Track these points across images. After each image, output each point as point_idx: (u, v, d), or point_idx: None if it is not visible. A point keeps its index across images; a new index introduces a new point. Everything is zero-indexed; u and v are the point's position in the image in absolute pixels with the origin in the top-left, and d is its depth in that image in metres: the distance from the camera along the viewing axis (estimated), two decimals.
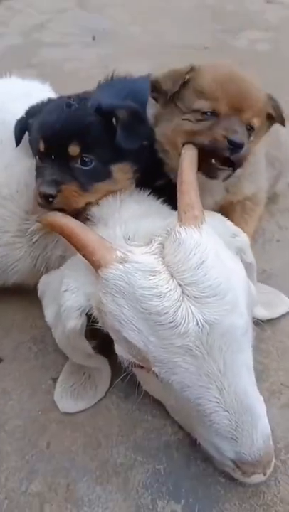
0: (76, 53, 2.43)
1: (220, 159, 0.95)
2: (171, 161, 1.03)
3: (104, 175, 0.95)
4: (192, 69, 0.98)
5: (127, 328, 0.77)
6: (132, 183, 1.00)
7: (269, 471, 0.82)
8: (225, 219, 0.98)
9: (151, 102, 1.04)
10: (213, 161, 0.95)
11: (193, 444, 0.92)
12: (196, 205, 0.85)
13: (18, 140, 1.05)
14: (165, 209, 1.02)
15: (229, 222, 0.97)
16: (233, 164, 0.95)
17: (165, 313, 0.74)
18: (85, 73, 2.14)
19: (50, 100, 1.03)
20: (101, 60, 2.31)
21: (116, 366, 0.98)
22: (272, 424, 0.95)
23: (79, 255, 0.88)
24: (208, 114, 0.95)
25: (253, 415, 0.78)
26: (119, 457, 0.93)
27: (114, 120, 0.92)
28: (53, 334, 0.96)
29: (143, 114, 0.99)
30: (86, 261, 0.84)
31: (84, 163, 0.92)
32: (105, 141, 0.92)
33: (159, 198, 1.02)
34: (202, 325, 0.74)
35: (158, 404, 0.99)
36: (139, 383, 0.97)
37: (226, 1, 3.11)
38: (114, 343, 0.83)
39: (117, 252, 0.81)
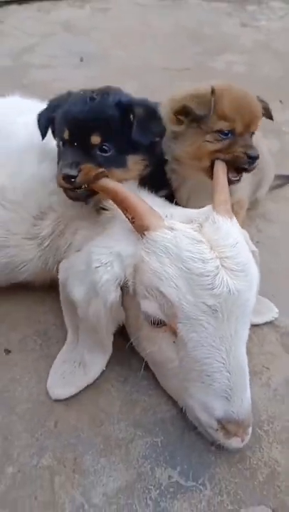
0: (65, 75, 2.56)
1: (235, 170, 1.12)
2: (183, 171, 1.18)
3: (120, 163, 1.06)
4: (212, 92, 1.09)
5: (167, 284, 0.88)
6: (144, 172, 1.12)
7: (247, 439, 0.94)
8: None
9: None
10: (229, 174, 1.11)
11: (185, 418, 1.04)
12: (228, 203, 1.02)
13: (44, 132, 1.11)
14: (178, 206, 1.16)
15: (235, 219, 1.06)
16: (246, 170, 1.13)
17: (206, 276, 0.87)
18: None
19: (70, 93, 1.10)
20: (89, 80, 2.44)
21: (114, 354, 1.10)
22: (256, 399, 1.08)
23: (107, 232, 1.01)
24: (228, 133, 1.10)
25: (245, 381, 0.92)
26: (120, 432, 1.04)
27: (131, 115, 1.04)
28: (81, 312, 1.01)
29: (158, 113, 1.11)
30: (127, 226, 0.96)
31: (103, 150, 1.03)
32: (123, 133, 1.03)
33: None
34: (232, 292, 0.88)
35: (153, 385, 1.11)
36: (136, 368, 1.09)
37: (203, 25, 3.30)
38: (143, 301, 0.93)
39: (164, 221, 0.94)
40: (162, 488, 0.95)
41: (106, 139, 1.02)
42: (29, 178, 1.14)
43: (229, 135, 1.10)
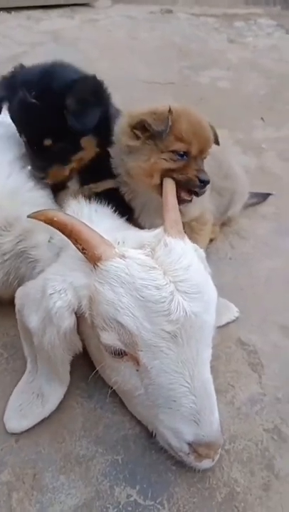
0: None
1: (187, 191, 1.15)
2: (134, 185, 1.20)
3: (76, 148, 1.18)
4: (170, 111, 1.10)
5: (123, 314, 0.88)
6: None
7: (216, 457, 0.95)
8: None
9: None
10: (182, 193, 1.14)
11: (148, 437, 1.04)
12: (179, 222, 1.03)
13: None
14: (132, 226, 1.18)
15: (188, 239, 1.08)
16: (196, 194, 1.16)
17: (162, 302, 0.87)
18: None
19: (16, 72, 1.19)
20: None
21: (78, 371, 1.10)
22: (219, 418, 1.08)
23: (62, 260, 1.01)
24: (182, 154, 1.13)
25: (212, 402, 0.92)
26: (81, 449, 1.03)
27: (64, 112, 1.09)
28: (36, 340, 0.99)
29: (97, 91, 1.18)
30: (78, 256, 0.95)
31: (58, 147, 1.15)
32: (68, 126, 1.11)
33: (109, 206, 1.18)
34: (189, 315, 0.88)
35: (117, 403, 1.10)
36: (101, 385, 1.09)
37: (191, 40, 3.34)
38: (101, 332, 0.91)
39: (116, 249, 0.93)
40: (120, 506, 0.95)
41: (56, 139, 1.14)
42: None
43: (184, 157, 1.13)
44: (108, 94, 1.22)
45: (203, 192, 1.16)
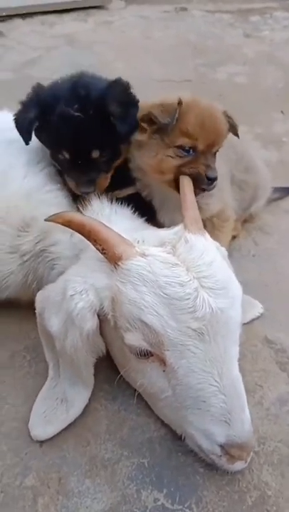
0: None
1: (195, 187, 1.10)
2: (148, 181, 1.19)
3: (118, 155, 1.20)
4: (179, 103, 1.08)
5: (147, 313, 0.85)
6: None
7: (249, 459, 0.91)
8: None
9: None
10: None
11: (174, 439, 1.01)
12: (199, 220, 1.00)
13: (28, 137, 1.15)
14: (152, 226, 1.15)
15: (208, 236, 1.05)
16: (205, 190, 1.12)
17: (186, 299, 0.85)
18: None
19: (40, 89, 1.16)
20: None
21: (102, 373, 1.08)
22: None
23: (82, 262, 0.99)
24: (188, 150, 1.09)
25: (242, 401, 0.89)
26: (106, 453, 1.01)
27: (111, 117, 1.10)
28: (59, 344, 0.98)
29: (129, 92, 1.16)
30: (98, 257, 0.93)
31: (103, 158, 1.15)
32: (113, 134, 1.12)
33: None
34: (215, 311, 0.85)
35: (142, 404, 1.08)
36: (125, 386, 1.07)
37: (206, 37, 3.30)
38: (125, 333, 0.89)
39: (137, 248, 0.91)
40: (147, 511, 0.92)
41: (103, 150, 1.13)
42: (13, 193, 1.14)
43: (191, 152, 1.09)
44: (135, 94, 1.20)
45: (212, 188, 1.12)
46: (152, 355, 0.89)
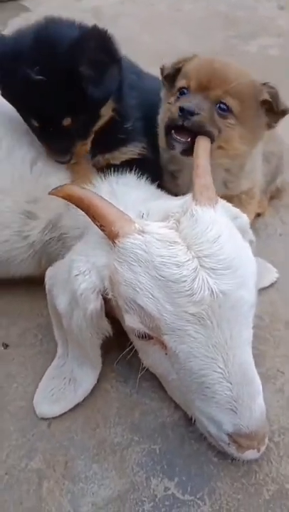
0: None
1: (178, 130, 1.00)
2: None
3: (95, 119, 1.02)
4: (193, 57, 1.05)
5: (143, 295, 0.79)
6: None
7: (263, 448, 0.84)
8: (225, 202, 0.98)
9: None
10: (172, 131, 1.00)
11: (188, 425, 0.95)
12: (211, 187, 0.89)
13: None
14: (165, 194, 1.08)
15: (228, 205, 0.98)
16: (192, 134, 0.99)
17: (183, 282, 0.77)
18: None
19: (3, 59, 0.95)
20: None
21: (115, 352, 1.02)
22: (267, 408, 0.97)
23: (86, 238, 0.93)
24: (184, 90, 1.02)
25: (252, 388, 0.81)
26: (116, 437, 0.96)
27: (83, 82, 0.92)
28: (64, 323, 0.95)
29: (107, 47, 0.97)
30: (100, 233, 0.87)
31: (77, 124, 0.98)
32: (87, 98, 0.95)
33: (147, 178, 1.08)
34: (216, 294, 0.77)
35: (156, 387, 1.02)
36: (138, 368, 1.01)
37: (238, 8, 3.15)
38: (125, 315, 0.84)
39: (136, 224, 0.84)
40: (157, 500, 0.87)
41: (75, 115, 0.96)
42: (16, 164, 1.07)
43: (184, 91, 1.02)
44: (117, 45, 1.00)
45: (193, 127, 0.97)
46: (152, 338, 0.83)
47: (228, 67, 1.02)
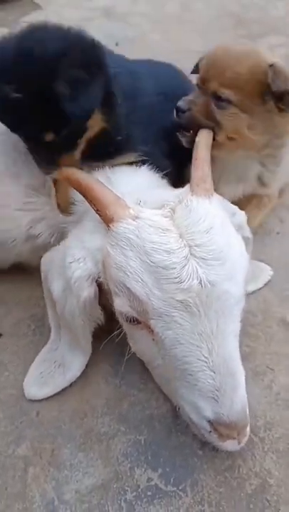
0: None
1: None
2: None
3: (82, 131, 0.97)
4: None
5: (132, 279, 0.80)
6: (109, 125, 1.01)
7: (244, 440, 0.83)
8: (223, 198, 0.98)
9: None
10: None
11: (175, 417, 0.96)
12: (208, 180, 0.91)
13: None
14: (165, 183, 1.09)
15: (227, 202, 1.00)
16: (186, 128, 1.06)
17: (172, 268, 0.78)
18: None
19: None
20: None
21: (108, 345, 1.02)
22: (254, 403, 0.99)
23: (83, 223, 0.95)
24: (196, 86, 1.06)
25: (235, 380, 0.81)
26: (103, 427, 0.97)
27: (59, 101, 0.86)
28: (58, 309, 0.97)
29: (91, 59, 0.92)
30: (98, 217, 0.89)
31: (62, 136, 0.93)
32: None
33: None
34: (204, 284, 0.78)
35: (145, 379, 1.03)
36: (129, 361, 1.02)
37: (249, 8, 3.14)
38: (115, 298, 0.86)
39: (130, 209, 0.85)
40: (139, 490, 0.88)
41: (58, 130, 0.92)
42: (16, 143, 1.06)
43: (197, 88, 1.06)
44: (103, 55, 0.95)
45: (184, 122, 1.05)
46: (140, 323, 0.84)
47: (228, 56, 1.01)
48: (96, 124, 0.98)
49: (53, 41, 0.90)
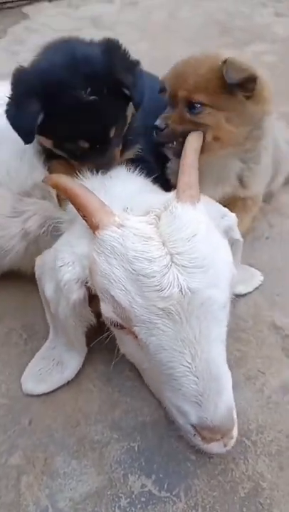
0: None
1: None
2: None
3: (124, 125, 1.05)
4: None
5: (116, 287, 0.81)
6: None
7: (230, 443, 0.84)
8: (214, 201, 1.01)
9: None
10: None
11: (167, 424, 0.97)
12: (194, 186, 0.92)
13: (31, 136, 0.97)
14: (156, 188, 1.10)
15: (218, 204, 1.01)
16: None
17: (153, 277, 0.79)
18: None
19: (46, 86, 0.93)
20: None
21: (100, 352, 1.05)
22: (246, 407, 0.99)
23: (73, 228, 0.96)
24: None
25: (219, 385, 0.82)
26: (96, 435, 0.97)
27: (127, 92, 0.96)
28: (52, 309, 0.99)
29: (126, 51, 1.02)
30: (84, 223, 0.90)
31: (117, 132, 1.01)
32: (125, 105, 1.02)
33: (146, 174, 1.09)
34: (185, 292, 0.79)
35: (138, 387, 1.04)
36: (121, 367, 1.03)
37: (235, 16, 3.18)
38: (101, 302, 0.87)
39: (116, 217, 0.86)
40: (133, 496, 0.88)
41: (117, 124, 1.01)
42: (11, 157, 1.10)
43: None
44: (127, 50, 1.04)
45: (159, 139, 1.09)
46: (125, 328, 0.85)
47: (188, 65, 1.06)
48: (129, 115, 1.06)
49: (87, 44, 1.00)
